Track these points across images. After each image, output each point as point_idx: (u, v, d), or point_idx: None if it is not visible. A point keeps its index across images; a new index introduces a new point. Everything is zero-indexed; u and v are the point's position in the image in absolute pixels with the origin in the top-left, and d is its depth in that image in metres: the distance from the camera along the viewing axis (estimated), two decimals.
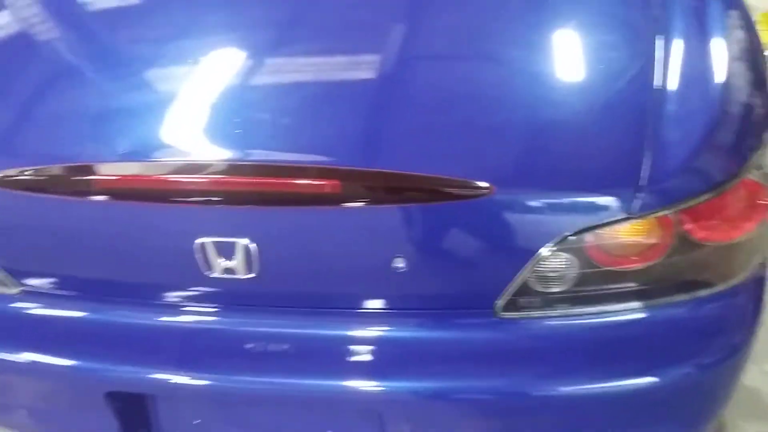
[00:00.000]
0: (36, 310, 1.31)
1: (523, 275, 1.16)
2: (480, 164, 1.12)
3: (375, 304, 1.21)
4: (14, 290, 1.31)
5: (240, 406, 1.32)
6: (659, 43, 1.25)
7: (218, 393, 1.25)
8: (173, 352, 1.26)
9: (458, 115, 1.18)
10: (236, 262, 1.16)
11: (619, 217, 1.11)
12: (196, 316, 1.26)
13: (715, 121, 1.18)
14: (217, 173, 1.12)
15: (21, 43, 1.50)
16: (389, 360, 1.21)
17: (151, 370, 1.25)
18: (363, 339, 1.22)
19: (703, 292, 1.22)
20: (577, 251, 1.15)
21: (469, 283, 1.19)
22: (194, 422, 1.40)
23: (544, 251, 1.13)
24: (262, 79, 1.30)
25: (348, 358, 1.22)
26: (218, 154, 1.15)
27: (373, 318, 1.22)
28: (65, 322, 1.30)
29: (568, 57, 1.27)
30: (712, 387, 1.30)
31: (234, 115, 1.20)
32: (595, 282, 1.19)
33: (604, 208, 1.11)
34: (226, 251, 1.15)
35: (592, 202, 1.11)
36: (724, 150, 1.19)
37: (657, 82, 1.20)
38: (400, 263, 1.14)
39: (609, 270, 1.18)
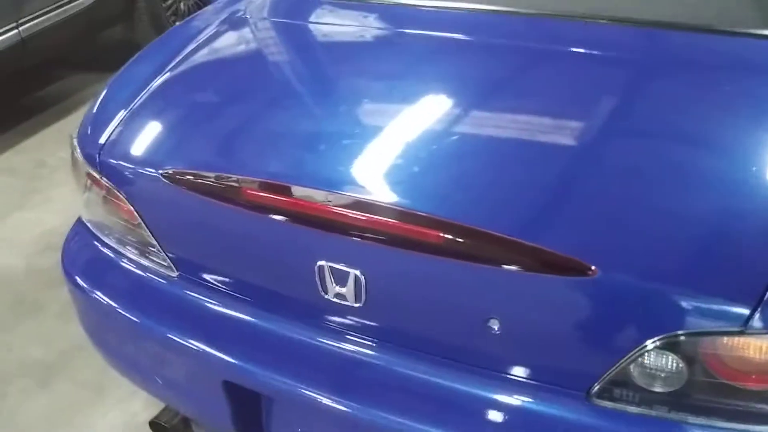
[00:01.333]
0: (186, 294, 1.50)
1: (623, 365, 1.11)
2: (587, 242, 1.10)
3: (469, 359, 1.23)
4: (174, 274, 1.51)
5: (334, 424, 1.39)
6: None
7: (314, 405, 1.33)
8: (285, 360, 1.37)
9: (574, 189, 1.18)
10: (346, 289, 1.24)
11: (732, 329, 1.03)
12: (310, 332, 1.36)
13: None
14: (342, 205, 1.22)
15: (242, 63, 1.75)
16: (473, 415, 1.22)
17: (262, 370, 1.37)
18: (450, 390, 1.24)
19: None
20: (687, 354, 1.08)
21: (564, 361, 1.16)
22: (298, 429, 1.50)
23: (649, 345, 1.08)
24: (424, 130, 1.37)
25: (433, 405, 1.24)
26: (347, 189, 1.26)
27: (466, 373, 1.23)
28: (205, 309, 1.47)
29: (738, 155, 1.21)
30: None
31: (371, 157, 1.29)
32: (706, 391, 1.11)
33: (717, 315, 1.03)
34: (341, 278, 1.24)
35: (704, 306, 1.04)
36: None
37: None
38: (494, 325, 1.15)
39: (724, 383, 1.09)
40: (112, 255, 1.61)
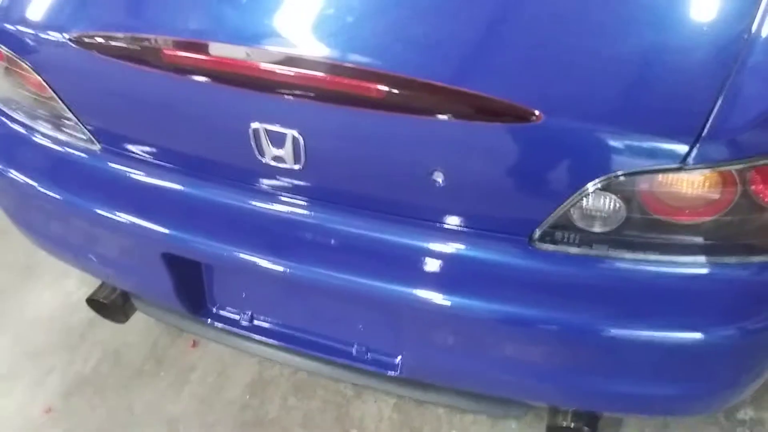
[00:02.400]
0: (111, 167, 1.42)
1: (564, 209, 1.13)
2: (531, 89, 1.08)
3: (412, 212, 1.23)
4: (96, 147, 1.42)
5: (276, 285, 1.39)
6: None
7: (257, 269, 1.32)
8: (224, 228, 1.34)
9: (519, 36, 1.14)
10: (285, 151, 1.20)
11: (672, 166, 1.05)
12: (248, 198, 1.33)
13: None
14: (272, 62, 1.14)
15: None
16: (416, 268, 1.24)
17: (202, 239, 1.34)
18: (394, 244, 1.24)
19: (759, 258, 1.15)
20: (626, 194, 1.11)
21: (507, 208, 1.17)
22: (242, 294, 1.51)
23: (590, 187, 1.10)
24: None
25: (375, 260, 1.26)
26: (277, 44, 1.18)
27: (409, 226, 1.23)
28: (135, 182, 1.41)
29: None
30: (750, 355, 1.25)
31: (301, 10, 1.21)
32: (641, 228, 1.14)
33: (659, 153, 1.05)
34: (278, 140, 1.19)
35: (647, 146, 1.05)
36: None
37: (751, 28, 1.10)
38: (438, 177, 1.14)
39: (658, 219, 1.13)
40: (24, 131, 1.50)
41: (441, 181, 1.14)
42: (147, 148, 1.38)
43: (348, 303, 1.36)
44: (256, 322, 1.52)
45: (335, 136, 1.19)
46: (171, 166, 1.37)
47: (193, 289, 1.49)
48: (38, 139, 1.48)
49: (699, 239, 1.14)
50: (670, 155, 1.04)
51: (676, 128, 1.05)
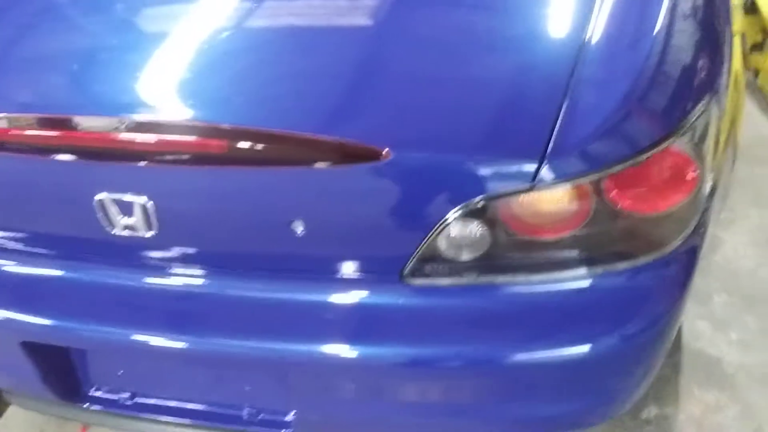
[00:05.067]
0: None
1: (429, 241, 1.11)
2: (375, 127, 1.07)
3: (279, 265, 1.19)
4: None
5: (150, 358, 1.32)
6: None
7: (125, 346, 1.25)
8: (84, 307, 1.26)
9: (356, 77, 1.13)
10: (135, 219, 1.13)
11: (524, 186, 1.05)
12: (106, 273, 1.25)
13: (638, 84, 1.10)
14: (107, 129, 1.09)
15: None
16: (291, 321, 1.19)
17: (62, 323, 1.26)
18: (266, 300, 1.20)
19: (626, 264, 1.17)
20: (487, 218, 1.10)
21: (373, 248, 1.15)
22: (118, 372, 1.41)
23: (450, 217, 1.08)
24: (164, 36, 1.24)
25: (248, 319, 1.20)
26: (112, 110, 1.12)
27: (279, 280, 1.19)
28: None
29: (481, 6, 1.20)
30: (634, 359, 1.26)
31: (128, 69, 1.16)
32: (509, 250, 1.14)
33: (509, 175, 1.05)
34: (126, 209, 1.13)
35: (496, 169, 1.06)
36: (647, 116, 1.12)
37: (583, 38, 1.12)
38: (297, 227, 1.11)
39: (522, 239, 1.13)
40: None
41: (301, 231, 1.11)
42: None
43: (227, 366, 1.30)
44: (138, 400, 1.43)
45: (185, 197, 1.13)
46: (19, 247, 1.28)
47: (63, 374, 1.39)
48: None
49: (566, 254, 1.15)
50: (520, 176, 1.04)
51: (521, 148, 1.05)
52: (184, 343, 1.23)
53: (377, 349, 1.18)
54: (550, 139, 1.04)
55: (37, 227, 1.26)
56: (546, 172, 1.04)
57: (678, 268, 1.21)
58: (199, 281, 1.22)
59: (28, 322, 1.27)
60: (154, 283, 1.23)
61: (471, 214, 1.09)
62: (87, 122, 1.10)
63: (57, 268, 1.27)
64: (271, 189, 1.10)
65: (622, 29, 1.16)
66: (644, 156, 1.09)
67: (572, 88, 1.07)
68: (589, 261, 1.15)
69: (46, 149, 1.12)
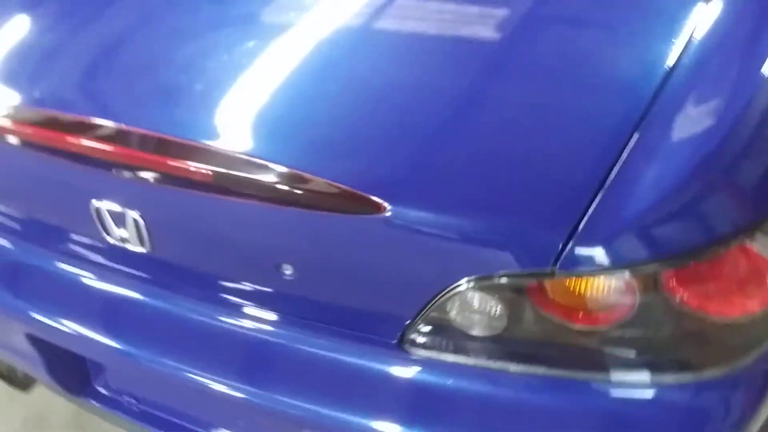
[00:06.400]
0: None
1: (434, 308, 0.95)
2: (377, 177, 0.92)
3: (268, 306, 1.07)
4: None
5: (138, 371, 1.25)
6: (674, 50, 0.95)
7: (113, 355, 1.19)
8: (76, 309, 1.21)
9: (369, 117, 0.98)
10: (129, 233, 1.06)
11: (541, 270, 0.87)
12: (98, 275, 1.20)
13: (714, 160, 0.88)
14: (110, 138, 1.01)
15: None
16: (272, 367, 1.08)
17: (56, 321, 1.21)
18: (247, 337, 1.09)
19: (677, 377, 0.94)
20: (506, 295, 0.93)
21: (369, 306, 1.01)
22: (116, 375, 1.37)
23: (462, 286, 0.92)
24: (197, 54, 1.14)
25: (225, 354, 1.10)
26: (115, 119, 1.04)
27: (267, 323, 1.08)
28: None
29: (531, 53, 1.01)
30: None
31: (141, 87, 1.09)
32: (530, 333, 0.96)
33: (527, 253, 0.87)
34: (120, 220, 1.06)
35: (514, 244, 0.88)
36: (721, 202, 0.90)
37: (653, 92, 0.92)
38: (287, 270, 0.99)
39: (549, 323, 0.94)
40: None
41: (289, 274, 0.99)
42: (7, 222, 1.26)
43: (209, 399, 1.20)
44: (142, 407, 1.37)
45: (177, 219, 1.04)
46: (31, 243, 1.25)
47: (67, 366, 1.35)
48: None
49: (604, 350, 0.95)
50: (540, 257, 0.86)
51: (545, 224, 0.87)
52: (159, 364, 1.15)
53: (362, 418, 1.03)
54: (583, 217, 0.85)
55: (45, 223, 1.22)
56: (571, 258, 0.85)
57: (748, 391, 0.97)
58: (183, 308, 1.13)
59: (29, 316, 1.23)
60: (142, 298, 1.16)
61: (487, 288, 0.92)
62: (91, 129, 1.03)
63: (56, 266, 1.23)
64: (259, 226, 0.98)
65: (707, 88, 0.94)
66: (708, 253, 0.87)
67: (626, 155, 0.87)
68: (634, 364, 0.94)
69: (48, 148, 1.07)
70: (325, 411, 1.03)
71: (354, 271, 0.97)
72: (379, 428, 1.02)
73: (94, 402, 1.40)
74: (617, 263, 0.86)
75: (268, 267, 1.00)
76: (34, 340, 1.28)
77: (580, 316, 0.94)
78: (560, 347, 0.95)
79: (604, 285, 0.90)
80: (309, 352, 1.05)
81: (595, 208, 0.85)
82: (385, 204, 0.88)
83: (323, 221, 0.92)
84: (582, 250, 0.85)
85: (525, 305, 0.94)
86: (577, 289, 0.91)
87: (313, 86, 1.02)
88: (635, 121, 0.89)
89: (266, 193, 0.93)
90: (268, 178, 0.93)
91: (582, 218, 0.84)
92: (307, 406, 1.04)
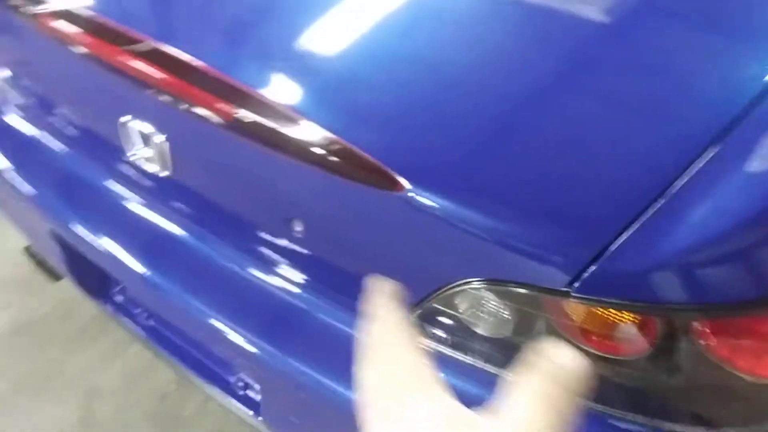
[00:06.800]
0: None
1: (437, 299, 0.90)
2: (407, 157, 0.85)
3: (272, 256, 1.04)
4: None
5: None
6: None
7: (124, 269, 1.18)
8: (94, 218, 1.21)
9: (420, 98, 0.90)
10: (153, 153, 1.04)
11: (555, 289, 0.79)
12: (122, 191, 1.20)
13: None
14: (147, 58, 0.98)
15: None
16: (264, 317, 1.05)
17: (76, 225, 1.21)
18: (248, 283, 1.06)
19: (683, 429, 0.87)
20: (517, 303, 0.87)
21: (381, 272, 0.95)
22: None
23: (473, 284, 0.86)
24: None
25: (224, 292, 1.08)
26: (157, 40, 1.00)
27: (266, 271, 1.05)
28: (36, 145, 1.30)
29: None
30: None
31: (210, 12, 1.05)
32: (535, 341, 0.89)
33: (544, 269, 0.80)
34: (146, 139, 1.04)
35: (534, 256, 0.80)
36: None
37: (719, 124, 0.82)
38: (298, 226, 0.94)
39: (561, 334, 0.88)
40: None
41: (300, 232, 0.94)
42: (52, 118, 1.26)
43: (197, 332, 1.19)
44: (150, 323, 1.39)
45: (200, 151, 1.01)
46: (72, 149, 1.25)
47: (90, 271, 1.37)
48: None
49: (617, 383, 0.88)
50: (556, 276, 0.78)
51: (572, 243, 0.79)
52: (164, 285, 1.13)
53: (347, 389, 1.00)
54: (613, 242, 0.76)
55: (83, 127, 1.21)
56: (591, 282, 0.77)
57: None
58: (196, 239, 1.11)
59: (55, 215, 1.24)
60: (159, 221, 1.15)
61: (500, 292, 0.86)
62: (129, 39, 1.00)
63: (90, 176, 1.23)
64: (278, 177, 0.94)
65: None
66: (751, 309, 0.78)
67: (680, 184, 0.78)
68: (640, 405, 0.87)
69: (89, 54, 1.05)
70: (311, 371, 1.00)
71: (363, 242, 0.92)
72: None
73: (109, 307, 1.43)
74: (641, 298, 0.78)
75: (279, 219, 0.96)
76: (59, 238, 1.30)
77: (593, 338, 0.87)
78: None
79: (624, 316, 0.83)
80: (308, 312, 1.02)
81: (629, 236, 0.76)
82: (406, 183, 0.82)
83: (339, 186, 0.87)
84: (603, 277, 0.77)
85: (537, 315, 0.87)
86: (594, 313, 0.84)
87: (373, 53, 0.95)
88: (699, 148, 0.80)
89: (291, 147, 0.88)
90: (296, 132, 0.88)
91: (611, 243, 0.76)
92: (297, 364, 1.01)
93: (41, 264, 1.63)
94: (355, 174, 0.85)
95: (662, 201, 0.77)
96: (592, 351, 0.87)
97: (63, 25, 1.06)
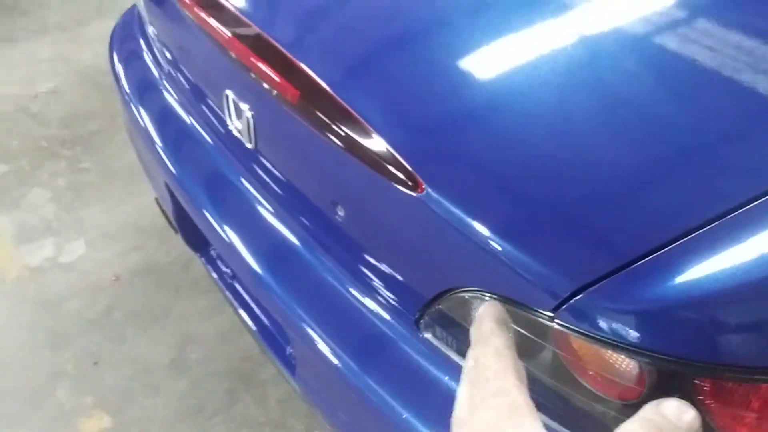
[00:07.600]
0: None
1: (441, 302, 0.94)
2: (425, 159, 0.92)
3: (323, 236, 1.13)
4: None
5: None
6: None
7: (211, 230, 1.32)
8: (199, 176, 1.36)
9: (459, 107, 0.97)
10: (242, 126, 1.17)
11: (542, 313, 0.81)
12: (221, 163, 1.34)
13: None
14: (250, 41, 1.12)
15: None
16: (310, 291, 1.14)
17: (180, 179, 1.38)
18: (304, 258, 1.16)
19: None
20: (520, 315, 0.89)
21: (399, 273, 1.01)
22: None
23: (472, 293, 0.89)
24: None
25: (282, 261, 1.19)
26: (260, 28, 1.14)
27: (318, 252, 1.14)
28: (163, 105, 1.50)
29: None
30: None
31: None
32: (530, 357, 0.91)
33: (536, 290, 0.82)
34: (239, 112, 1.17)
35: (526, 277, 0.82)
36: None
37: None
38: (340, 211, 1.03)
39: (557, 355, 0.88)
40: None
41: (342, 216, 1.03)
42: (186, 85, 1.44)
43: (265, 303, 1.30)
44: (232, 282, 1.52)
45: (276, 129, 1.13)
46: (187, 106, 1.42)
47: (190, 223, 1.53)
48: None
49: (595, 413, 0.87)
50: (543, 300, 0.80)
51: (566, 268, 0.80)
52: (240, 250, 1.25)
53: (358, 374, 1.06)
54: (609, 275, 0.77)
55: (198, 91, 1.38)
56: (575, 312, 0.78)
57: None
58: (269, 210, 1.23)
59: (165, 167, 1.41)
60: (242, 188, 1.28)
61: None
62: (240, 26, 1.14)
63: (195, 131, 1.39)
64: (331, 162, 1.03)
65: None
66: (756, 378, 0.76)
67: (701, 226, 0.77)
68: None
69: (211, 33, 1.21)
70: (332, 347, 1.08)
71: (387, 234, 1.00)
72: (372, 389, 1.04)
73: (203, 260, 1.58)
74: (625, 339, 0.78)
75: (326, 201, 1.05)
76: (168, 190, 1.47)
77: (589, 373, 0.87)
78: (559, 395, 0.89)
79: (614, 358, 0.82)
80: (342, 293, 1.10)
81: (628, 271, 0.77)
82: (424, 185, 0.88)
83: (370, 178, 0.95)
84: (588, 309, 0.78)
85: (536, 331, 0.89)
86: (588, 346, 0.84)
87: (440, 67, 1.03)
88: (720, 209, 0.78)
89: (337, 136, 0.98)
90: (344, 123, 0.97)
91: (606, 276, 0.77)
92: (320, 335, 1.09)
93: (165, 214, 1.83)
94: (380, 167, 0.93)
95: (664, 251, 0.77)
96: (580, 379, 0.87)
97: (203, 14, 1.23)
